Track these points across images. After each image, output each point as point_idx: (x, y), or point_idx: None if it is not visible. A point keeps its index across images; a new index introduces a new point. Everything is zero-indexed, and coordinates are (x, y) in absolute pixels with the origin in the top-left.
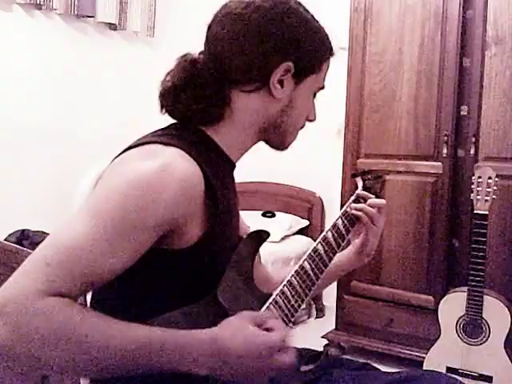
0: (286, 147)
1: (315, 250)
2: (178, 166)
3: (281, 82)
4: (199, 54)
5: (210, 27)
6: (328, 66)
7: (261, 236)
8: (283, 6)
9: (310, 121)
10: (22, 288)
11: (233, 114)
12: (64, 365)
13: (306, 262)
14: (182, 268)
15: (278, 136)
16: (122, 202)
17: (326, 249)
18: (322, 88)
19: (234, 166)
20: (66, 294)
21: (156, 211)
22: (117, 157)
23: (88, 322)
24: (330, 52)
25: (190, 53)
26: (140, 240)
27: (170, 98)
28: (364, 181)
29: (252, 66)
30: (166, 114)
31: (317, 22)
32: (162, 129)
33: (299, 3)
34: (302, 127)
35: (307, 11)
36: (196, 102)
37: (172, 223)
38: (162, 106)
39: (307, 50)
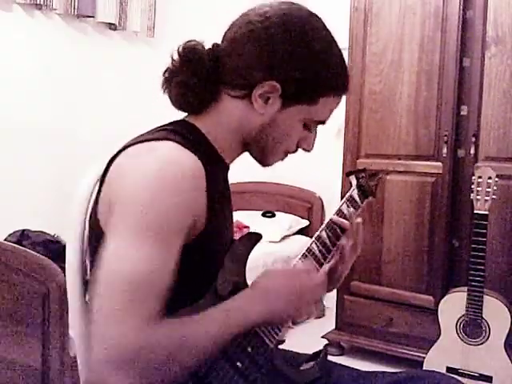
0: (268, 164)
1: (309, 250)
2: (186, 162)
3: (266, 98)
4: (213, 44)
5: (230, 25)
6: (332, 103)
7: (254, 238)
8: (296, 28)
9: (305, 150)
10: (127, 335)
11: (218, 114)
12: (180, 373)
13: (300, 262)
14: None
15: (258, 151)
16: (155, 212)
17: (321, 248)
18: (322, 123)
19: (227, 168)
20: (156, 315)
21: (182, 212)
22: (114, 157)
23: (188, 331)
24: (335, 89)
25: (195, 40)
26: (179, 241)
27: (167, 79)
28: (358, 179)
29: (239, 73)
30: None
31: (332, 53)
32: (159, 127)
33: (321, 28)
34: (291, 152)
35: (325, 38)
36: (183, 86)
37: (193, 218)
38: (162, 84)
39: (299, 78)
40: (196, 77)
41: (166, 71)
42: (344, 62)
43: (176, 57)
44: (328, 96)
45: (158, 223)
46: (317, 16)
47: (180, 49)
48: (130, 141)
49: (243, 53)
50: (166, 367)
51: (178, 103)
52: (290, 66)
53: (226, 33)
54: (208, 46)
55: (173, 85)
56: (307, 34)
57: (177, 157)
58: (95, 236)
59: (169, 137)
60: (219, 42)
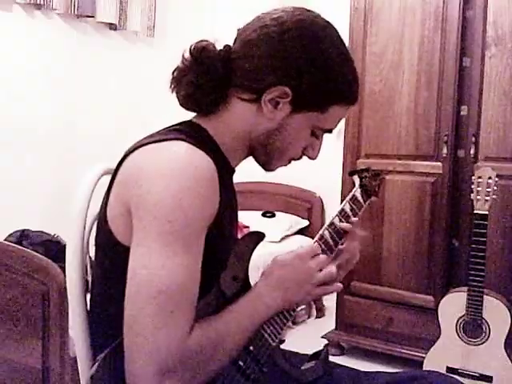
0: (272, 169)
1: None
2: (202, 163)
3: (275, 103)
4: (224, 46)
5: (243, 26)
6: (341, 112)
7: (257, 237)
8: (307, 33)
9: (309, 158)
10: (173, 345)
11: (227, 116)
12: (218, 370)
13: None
14: None
15: (263, 156)
16: (181, 219)
17: (323, 247)
18: (329, 131)
19: (233, 171)
20: (193, 320)
21: (204, 214)
22: (124, 156)
23: (221, 330)
24: (346, 98)
25: (206, 40)
26: (202, 243)
27: (176, 78)
28: (361, 179)
29: (250, 76)
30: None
31: (344, 63)
32: (168, 127)
33: (335, 36)
34: (296, 159)
35: (338, 48)
36: (193, 86)
37: (210, 218)
38: (171, 84)
39: (311, 85)
40: (206, 77)
41: (175, 70)
42: (356, 71)
43: (187, 55)
44: (338, 105)
45: (184, 229)
46: (331, 25)
47: (192, 48)
48: (140, 140)
49: (256, 56)
50: (208, 367)
51: (187, 103)
52: (303, 72)
53: (238, 34)
54: (219, 46)
55: (182, 84)
56: (322, 41)
57: (193, 158)
58: (103, 235)
59: (182, 137)
60: (220, 42)
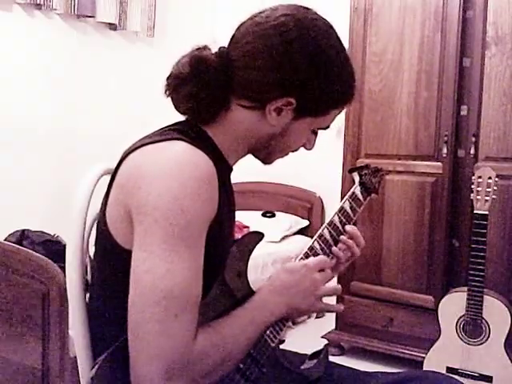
0: (271, 163)
1: (311, 248)
2: (201, 162)
3: (279, 110)
4: (220, 48)
5: (238, 28)
6: (339, 112)
7: (257, 237)
8: (310, 42)
9: (307, 149)
10: (177, 348)
11: (227, 122)
12: (223, 375)
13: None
14: None
15: (264, 154)
16: (183, 221)
17: (323, 246)
18: (327, 128)
19: (231, 170)
20: (196, 324)
21: (205, 215)
22: (123, 157)
23: (226, 335)
24: (344, 101)
25: (203, 46)
26: (203, 243)
27: (173, 85)
28: (361, 176)
29: (254, 87)
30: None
31: (346, 66)
32: (166, 127)
33: (336, 40)
34: (294, 151)
35: (340, 52)
36: (193, 99)
37: (211, 218)
38: (166, 90)
39: (315, 95)
40: (206, 89)
41: (169, 77)
42: (353, 71)
43: (185, 64)
44: (339, 108)
45: (186, 231)
46: (331, 26)
47: (190, 58)
48: (139, 141)
49: (259, 67)
50: (213, 372)
51: (187, 114)
52: (307, 82)
53: (235, 38)
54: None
55: (180, 95)
56: (325, 50)
57: (193, 157)
58: (102, 236)
59: (181, 137)
60: (219, 43)
